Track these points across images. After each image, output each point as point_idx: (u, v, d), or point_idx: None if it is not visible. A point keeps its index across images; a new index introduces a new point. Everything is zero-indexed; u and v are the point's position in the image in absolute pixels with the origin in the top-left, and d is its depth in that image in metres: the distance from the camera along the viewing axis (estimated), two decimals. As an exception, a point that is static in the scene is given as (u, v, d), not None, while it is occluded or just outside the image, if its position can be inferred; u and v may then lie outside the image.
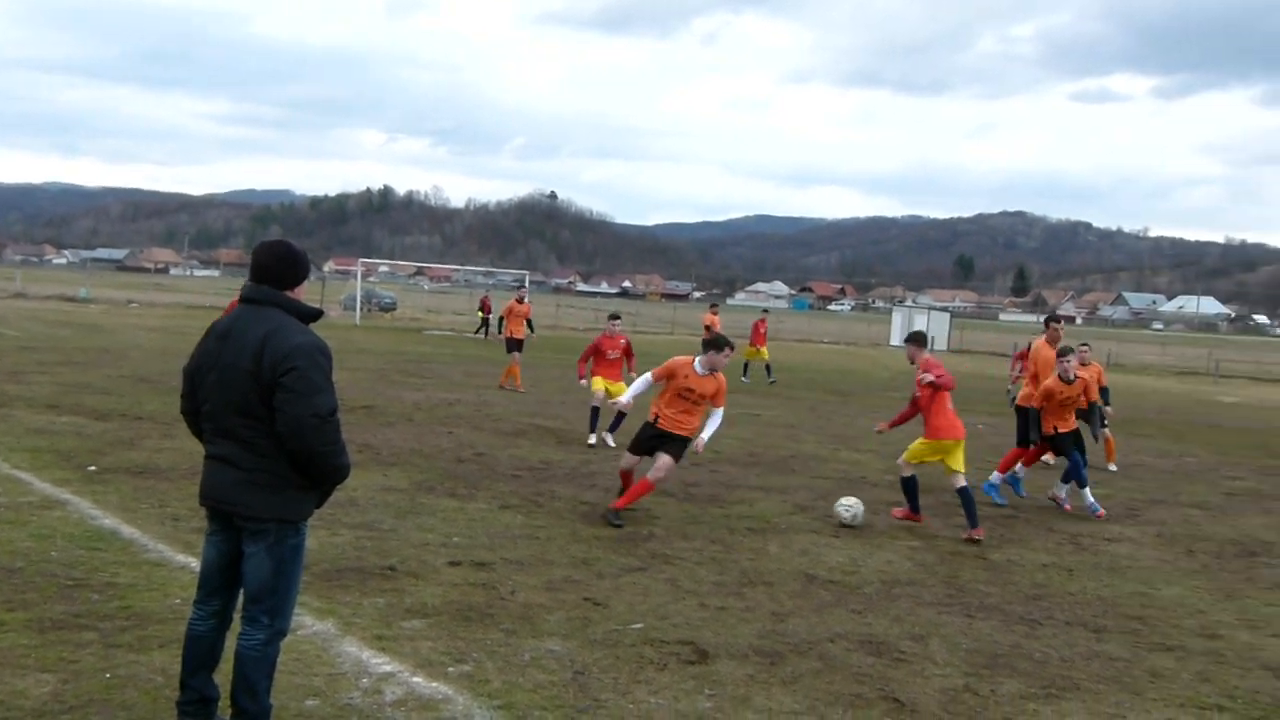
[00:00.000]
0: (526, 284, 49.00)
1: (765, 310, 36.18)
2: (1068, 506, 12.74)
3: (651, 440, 10.66)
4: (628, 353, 16.31)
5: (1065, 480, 12.95)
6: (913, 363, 11.40)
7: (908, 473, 11.43)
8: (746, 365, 29.67)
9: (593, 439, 15.42)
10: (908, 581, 8.86)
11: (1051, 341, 14.48)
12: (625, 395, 11.50)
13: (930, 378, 10.92)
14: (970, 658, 6.99)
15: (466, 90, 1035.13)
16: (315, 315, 4.99)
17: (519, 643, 6.62)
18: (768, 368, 29.98)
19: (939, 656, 6.97)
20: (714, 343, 10.70)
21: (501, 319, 24.63)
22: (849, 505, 11.03)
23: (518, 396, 21.11)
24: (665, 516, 10.68)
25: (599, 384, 15.86)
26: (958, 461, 11.04)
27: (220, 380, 4.82)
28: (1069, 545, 10.76)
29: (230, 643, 5.03)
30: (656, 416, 10.68)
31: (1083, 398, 13.00)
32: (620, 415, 15.14)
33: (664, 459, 10.51)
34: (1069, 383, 12.71)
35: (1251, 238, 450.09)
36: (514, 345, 23.75)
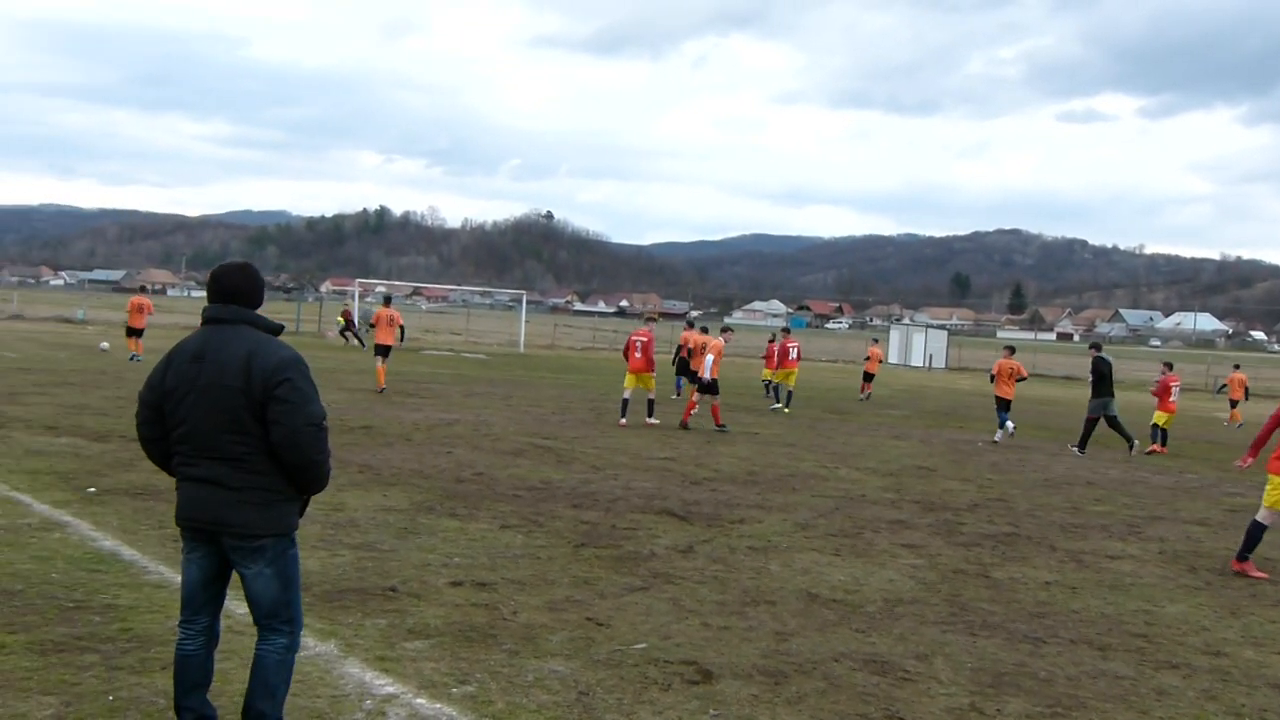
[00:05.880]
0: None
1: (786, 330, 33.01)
2: None
3: None
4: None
5: None
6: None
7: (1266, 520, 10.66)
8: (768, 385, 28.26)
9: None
10: (911, 600, 8.83)
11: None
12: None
13: None
14: (975, 676, 6.96)
15: (461, 112, 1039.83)
16: (280, 329, 5.09)
17: (522, 663, 6.59)
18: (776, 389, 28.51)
19: (944, 675, 6.93)
20: None
21: (371, 325, 26.16)
22: None
23: (519, 415, 21.07)
24: (666, 536, 10.65)
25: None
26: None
27: (202, 400, 4.85)
28: (1071, 563, 10.73)
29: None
30: None
31: None
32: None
33: None
34: None
35: (1246, 254, 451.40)
36: (382, 350, 24.91)
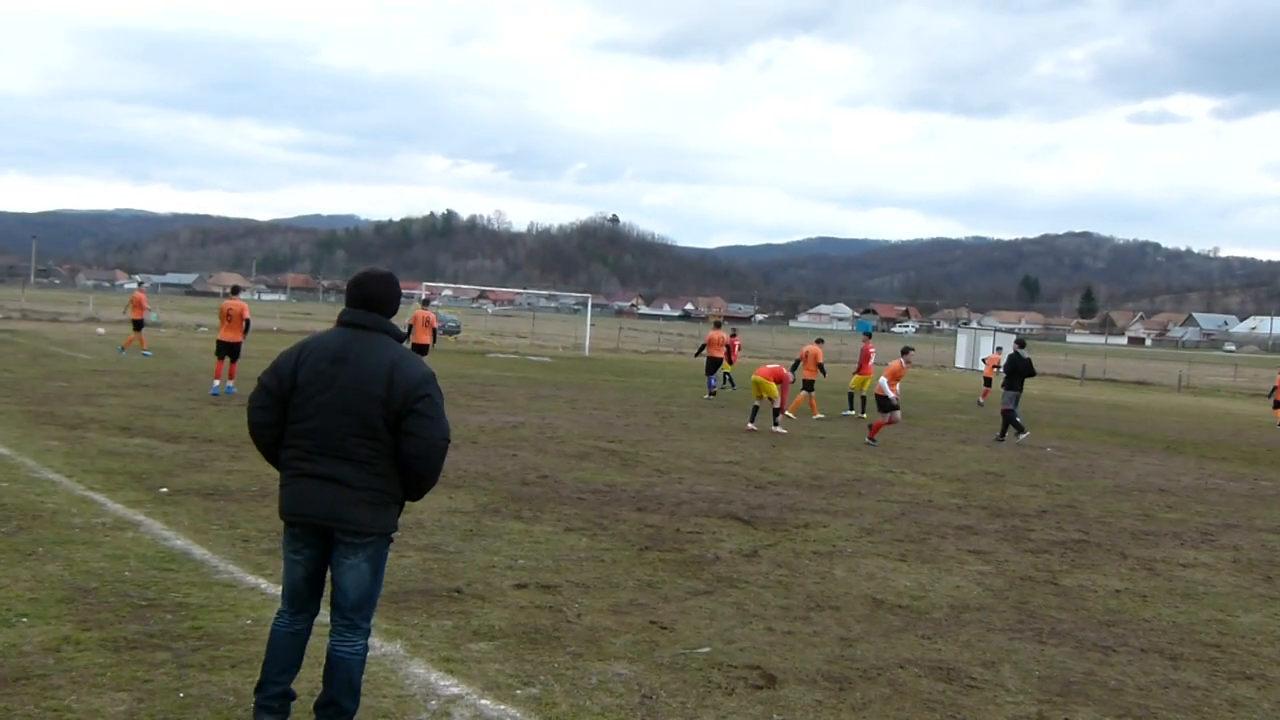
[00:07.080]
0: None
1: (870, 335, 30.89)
2: None
3: None
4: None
5: None
6: None
7: None
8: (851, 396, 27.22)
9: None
10: (977, 607, 8.75)
11: None
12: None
13: None
14: (1043, 685, 6.87)
15: (528, 116, 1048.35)
16: (404, 337, 5.22)
17: (586, 665, 6.61)
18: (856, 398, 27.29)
19: (1011, 683, 6.86)
20: None
21: (410, 326, 26.85)
22: None
23: (583, 418, 21.13)
24: (730, 540, 10.63)
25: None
26: None
27: (339, 401, 4.99)
28: (1142, 571, 10.57)
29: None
30: None
31: None
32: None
33: None
34: None
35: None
36: (420, 350, 26.27)
